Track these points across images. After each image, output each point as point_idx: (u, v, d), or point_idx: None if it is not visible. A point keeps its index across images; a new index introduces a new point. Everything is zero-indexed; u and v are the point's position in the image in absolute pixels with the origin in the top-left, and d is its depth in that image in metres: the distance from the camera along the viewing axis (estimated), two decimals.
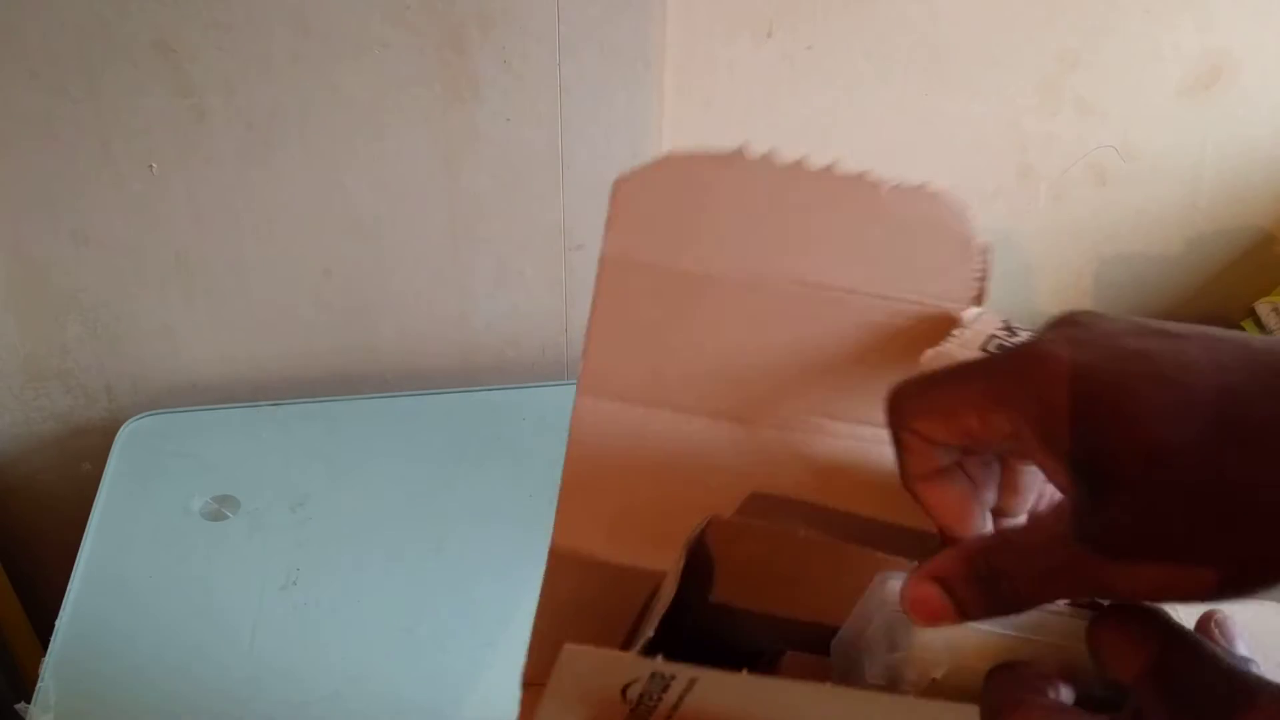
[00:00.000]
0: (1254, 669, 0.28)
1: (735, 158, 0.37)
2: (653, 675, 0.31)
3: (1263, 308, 0.84)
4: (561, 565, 0.37)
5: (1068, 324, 0.28)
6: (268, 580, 0.65)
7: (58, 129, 0.66)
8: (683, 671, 0.31)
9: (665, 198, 0.37)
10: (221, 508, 0.70)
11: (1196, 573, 0.26)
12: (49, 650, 0.61)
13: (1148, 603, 0.28)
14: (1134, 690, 0.27)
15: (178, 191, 0.70)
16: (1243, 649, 0.30)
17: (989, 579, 0.28)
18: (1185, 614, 0.30)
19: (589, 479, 0.38)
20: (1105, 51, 0.72)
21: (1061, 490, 0.27)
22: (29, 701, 0.58)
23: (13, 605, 0.87)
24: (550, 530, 0.65)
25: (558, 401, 0.79)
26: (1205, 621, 0.30)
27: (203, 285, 0.75)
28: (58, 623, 0.63)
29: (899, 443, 0.30)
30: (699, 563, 0.37)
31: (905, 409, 0.30)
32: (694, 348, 0.37)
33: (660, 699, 0.33)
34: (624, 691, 0.33)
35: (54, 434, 0.82)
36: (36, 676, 0.60)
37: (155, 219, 0.71)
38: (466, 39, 0.65)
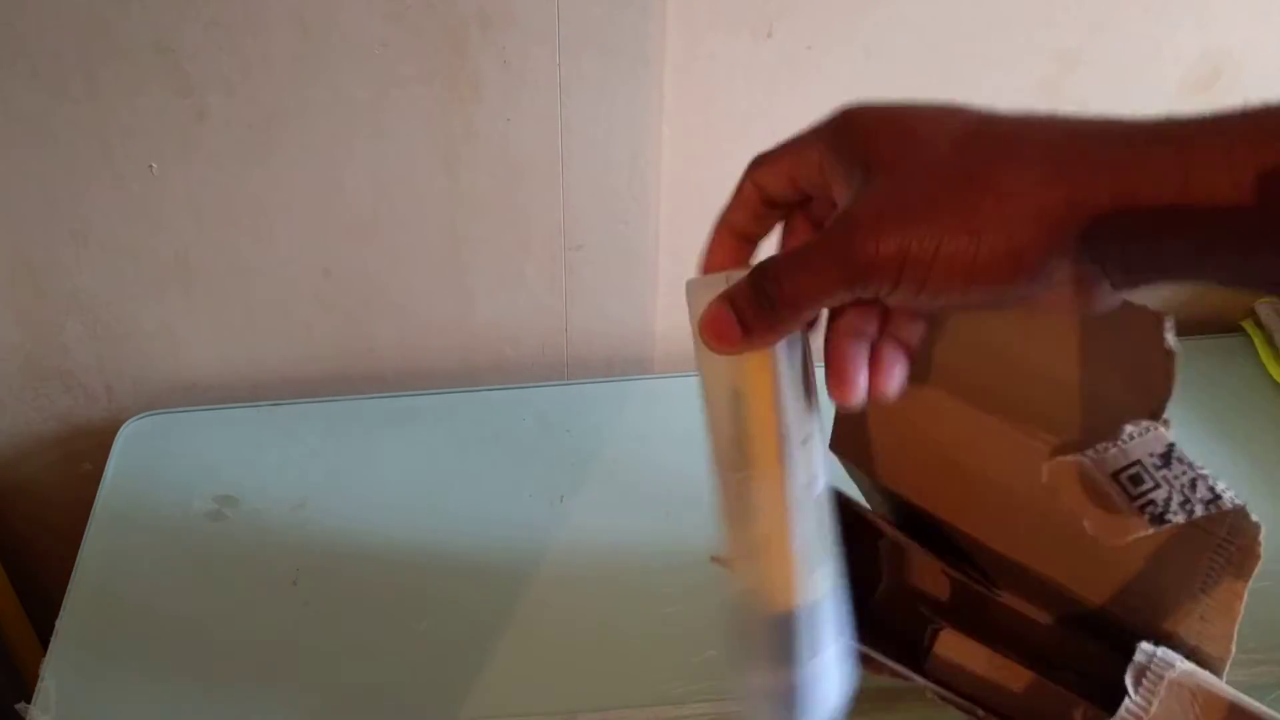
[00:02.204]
0: None
1: None
2: None
3: (1263, 308, 0.84)
4: None
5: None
6: (268, 580, 0.65)
7: (58, 129, 0.66)
8: None
9: None
10: (221, 508, 0.70)
11: (928, 243, 0.29)
12: (49, 650, 0.61)
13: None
14: None
15: (178, 191, 0.70)
16: None
17: (763, 287, 0.32)
18: None
19: None
20: (1105, 51, 0.72)
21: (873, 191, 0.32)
22: (29, 701, 0.58)
23: (13, 605, 0.87)
24: (549, 533, 0.66)
25: (558, 401, 0.79)
26: None
27: (203, 285, 0.75)
28: (58, 623, 0.63)
29: (736, 192, 0.37)
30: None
31: (752, 166, 0.37)
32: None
33: None
34: None
35: (54, 434, 0.82)
36: (36, 676, 0.60)
37: (155, 219, 0.71)
38: (466, 39, 0.65)
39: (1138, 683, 0.36)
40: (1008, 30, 0.70)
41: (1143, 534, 0.36)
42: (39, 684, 0.59)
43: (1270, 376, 0.80)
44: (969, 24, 0.69)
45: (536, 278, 0.78)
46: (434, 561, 0.67)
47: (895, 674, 0.44)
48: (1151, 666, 0.37)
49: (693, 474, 0.73)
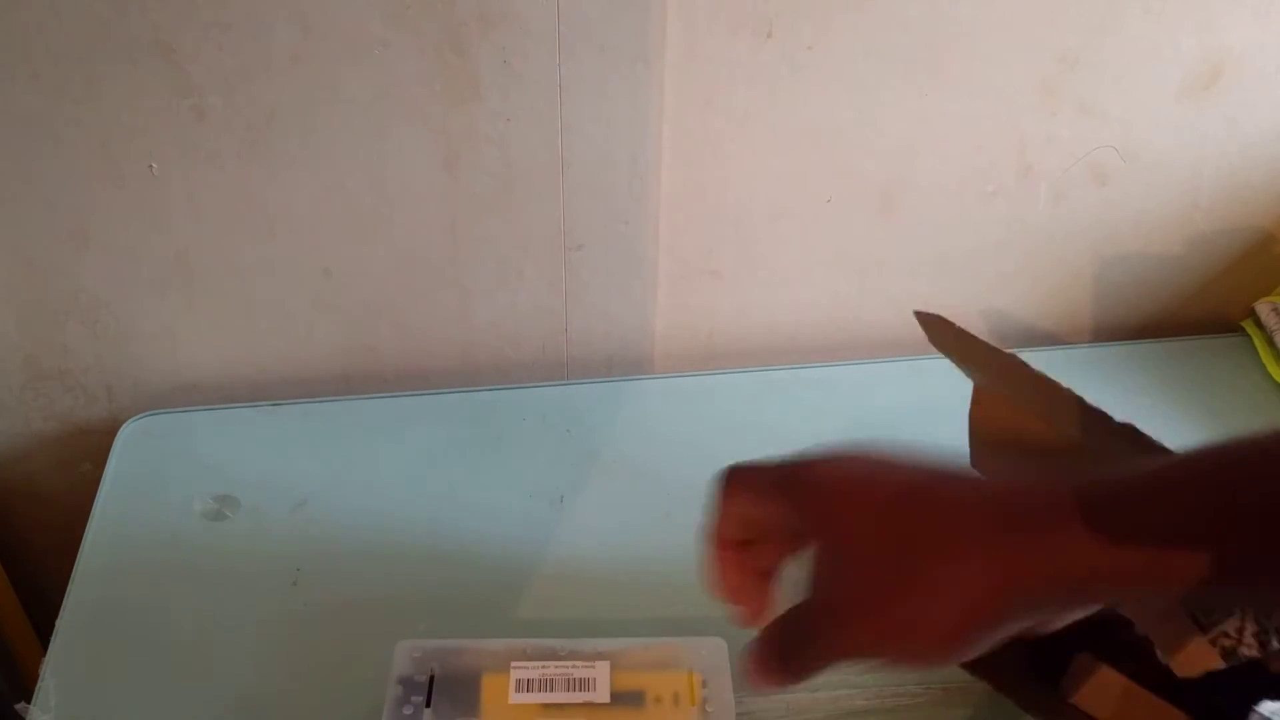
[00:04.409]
0: None
1: None
2: None
3: (1263, 308, 0.84)
4: None
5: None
6: (269, 580, 0.65)
7: (58, 129, 0.66)
8: None
9: None
10: (221, 508, 0.70)
11: (889, 639, 0.34)
12: (49, 650, 0.61)
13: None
14: None
15: (178, 191, 0.70)
16: None
17: (782, 653, 0.37)
18: None
19: None
20: (1105, 51, 0.72)
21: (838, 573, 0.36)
22: (29, 701, 0.58)
23: (13, 605, 0.87)
24: (549, 533, 0.66)
25: (558, 401, 0.79)
26: None
27: (203, 285, 0.75)
28: (58, 623, 0.63)
29: (719, 509, 0.41)
30: None
31: (729, 486, 0.40)
32: None
33: None
34: None
35: (54, 434, 0.82)
36: (36, 676, 0.60)
37: (155, 219, 0.71)
38: (466, 39, 0.65)
39: None
40: (1008, 30, 0.70)
41: None
42: (39, 684, 0.59)
43: (1270, 376, 0.80)
44: (969, 24, 0.69)
45: (536, 278, 0.78)
46: (434, 562, 0.67)
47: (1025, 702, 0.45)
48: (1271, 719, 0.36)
49: (692, 474, 0.72)
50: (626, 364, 0.84)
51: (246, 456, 0.74)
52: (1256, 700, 0.36)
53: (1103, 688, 0.44)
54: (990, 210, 0.79)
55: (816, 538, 0.36)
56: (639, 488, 0.71)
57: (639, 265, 0.78)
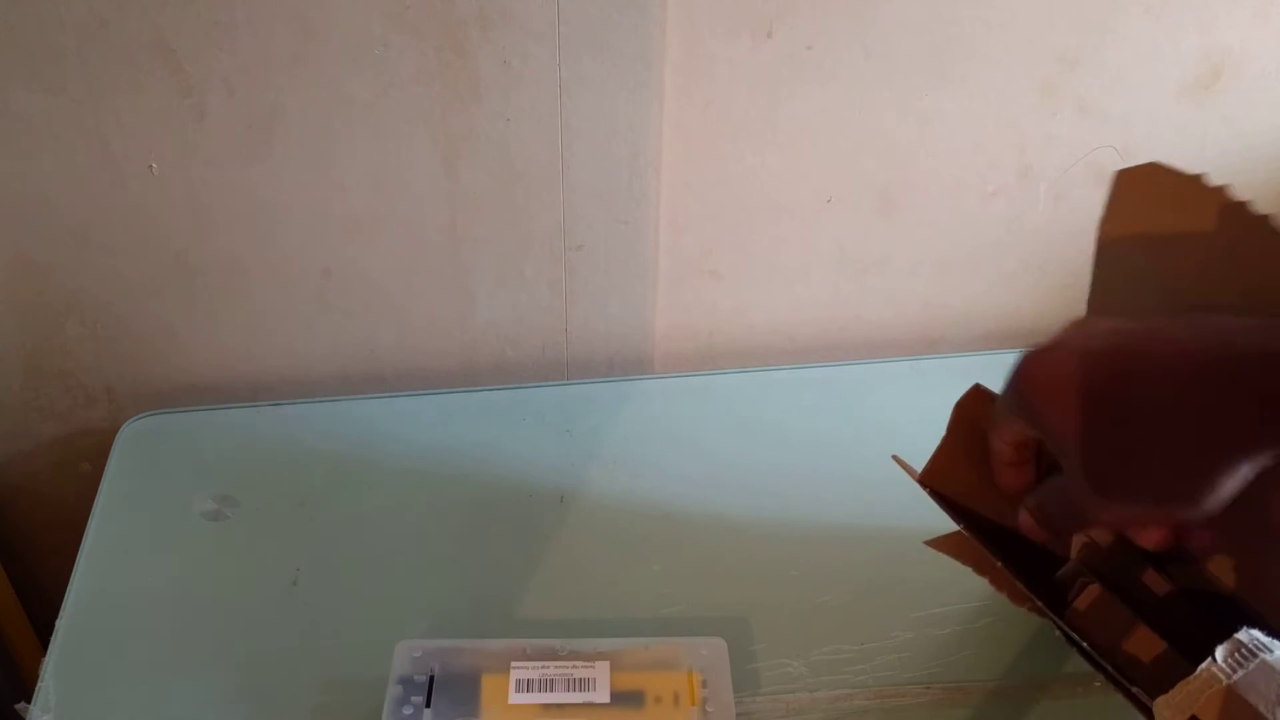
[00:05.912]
0: None
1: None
2: None
3: None
4: None
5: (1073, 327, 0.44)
6: (269, 580, 0.65)
7: (58, 129, 0.66)
8: None
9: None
10: (221, 508, 0.70)
11: (1159, 514, 0.38)
12: (49, 650, 0.61)
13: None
14: None
15: (178, 191, 0.70)
16: None
17: (1042, 512, 0.45)
18: None
19: None
20: (1105, 51, 0.72)
21: (1070, 461, 0.40)
22: (29, 701, 0.58)
23: (13, 605, 0.88)
24: (549, 533, 0.66)
25: (558, 401, 0.79)
26: None
27: (203, 285, 0.75)
28: (58, 623, 0.63)
29: (991, 448, 0.48)
30: None
31: (992, 426, 0.47)
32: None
33: None
34: None
35: (54, 434, 0.82)
36: (36, 676, 0.60)
37: (155, 219, 0.71)
38: (466, 39, 0.65)
39: (1229, 654, 0.35)
40: (1008, 30, 0.70)
41: None
42: (39, 684, 0.59)
43: None
44: (969, 24, 0.69)
45: (536, 278, 0.78)
46: (434, 561, 0.67)
47: (1035, 609, 0.46)
48: (1250, 644, 0.36)
49: (692, 473, 0.73)
50: (626, 364, 0.84)
51: (246, 456, 0.74)
52: (1236, 628, 0.37)
53: (1094, 605, 0.45)
54: (990, 210, 0.79)
55: (1050, 436, 0.41)
56: (639, 488, 0.72)
57: (639, 265, 0.78)
